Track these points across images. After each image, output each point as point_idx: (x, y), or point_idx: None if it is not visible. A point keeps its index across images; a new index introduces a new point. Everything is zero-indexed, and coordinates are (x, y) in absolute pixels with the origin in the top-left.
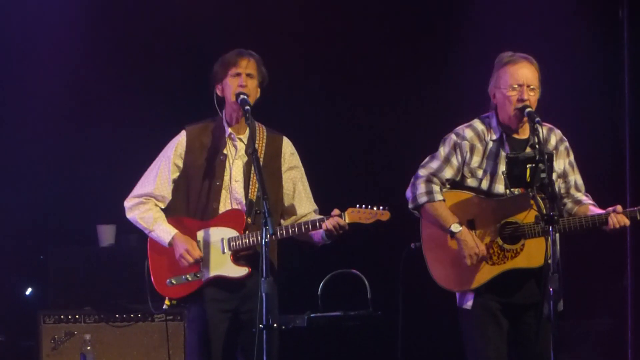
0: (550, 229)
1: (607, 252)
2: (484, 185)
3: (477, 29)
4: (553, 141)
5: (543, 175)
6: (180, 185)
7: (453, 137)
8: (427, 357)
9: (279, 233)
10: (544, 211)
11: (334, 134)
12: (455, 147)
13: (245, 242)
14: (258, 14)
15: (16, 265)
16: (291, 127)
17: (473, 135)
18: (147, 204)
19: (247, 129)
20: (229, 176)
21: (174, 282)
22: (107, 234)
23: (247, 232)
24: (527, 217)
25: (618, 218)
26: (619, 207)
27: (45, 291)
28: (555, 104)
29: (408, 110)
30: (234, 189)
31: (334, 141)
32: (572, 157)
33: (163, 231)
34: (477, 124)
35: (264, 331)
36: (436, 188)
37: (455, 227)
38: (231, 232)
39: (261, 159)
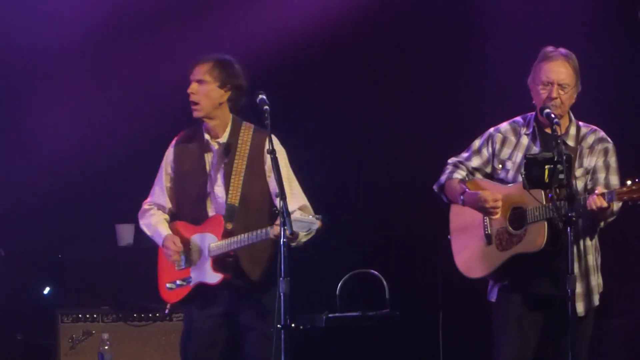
0: (569, 229)
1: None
2: (510, 175)
3: (494, 32)
4: (590, 140)
5: (561, 176)
6: (174, 191)
7: (491, 130)
8: (466, 353)
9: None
10: (553, 213)
11: (347, 135)
12: (489, 138)
13: (223, 249)
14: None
15: (34, 264)
16: (300, 128)
17: (509, 128)
18: (150, 210)
19: (225, 131)
20: (210, 182)
21: (170, 287)
22: (125, 233)
23: (227, 238)
24: (534, 202)
25: (594, 200)
26: (598, 189)
27: (63, 290)
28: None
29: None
30: (216, 194)
31: (351, 143)
32: (611, 159)
33: (158, 235)
34: (518, 118)
35: (282, 332)
36: (458, 171)
37: (463, 196)
38: (212, 238)
39: (245, 160)
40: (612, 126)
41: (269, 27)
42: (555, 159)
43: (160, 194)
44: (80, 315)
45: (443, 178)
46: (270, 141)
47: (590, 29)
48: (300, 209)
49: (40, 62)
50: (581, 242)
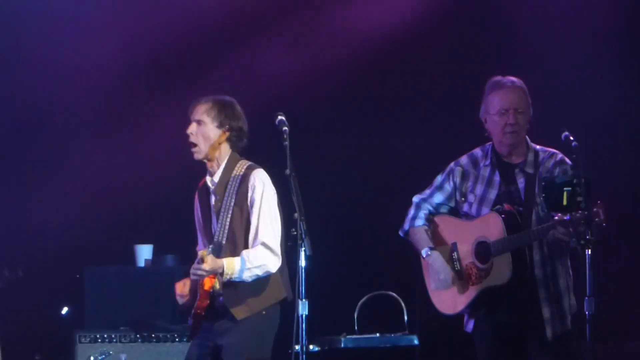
0: (588, 252)
1: None
2: (474, 208)
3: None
4: (548, 164)
5: (580, 199)
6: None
7: (451, 164)
8: None
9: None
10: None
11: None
12: (449, 173)
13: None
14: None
15: (53, 284)
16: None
17: (468, 161)
18: None
19: (219, 170)
20: (213, 223)
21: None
22: (144, 254)
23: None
24: (496, 235)
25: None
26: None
27: (82, 310)
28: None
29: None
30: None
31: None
32: None
33: None
34: (477, 150)
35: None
36: (422, 214)
37: (425, 252)
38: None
39: (233, 197)
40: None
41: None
42: (574, 182)
43: (200, 239)
44: (98, 336)
45: (407, 224)
46: (289, 162)
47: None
48: (259, 246)
49: (62, 76)
50: (549, 267)
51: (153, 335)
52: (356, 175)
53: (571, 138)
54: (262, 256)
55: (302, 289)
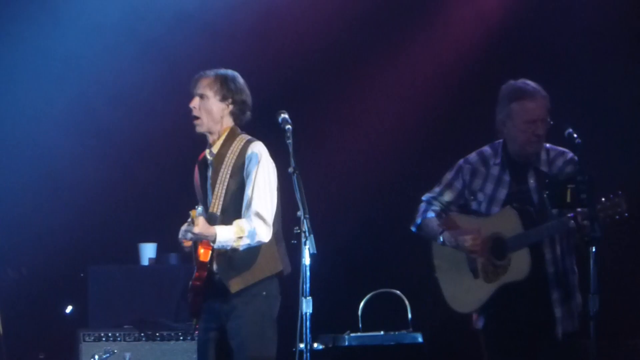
0: (594, 249)
1: None
2: (483, 207)
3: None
4: (559, 163)
5: (583, 196)
6: None
7: (460, 162)
8: None
9: None
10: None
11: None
12: (459, 171)
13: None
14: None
15: (57, 283)
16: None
17: (478, 159)
18: None
19: (218, 142)
20: (208, 195)
21: None
22: (148, 252)
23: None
24: (512, 231)
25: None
26: None
27: (86, 309)
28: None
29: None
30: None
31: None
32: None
33: None
34: (486, 148)
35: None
36: (432, 209)
37: (441, 237)
38: None
39: (230, 169)
40: None
41: None
42: (578, 179)
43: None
44: (102, 335)
45: (419, 219)
46: (292, 160)
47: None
48: (252, 215)
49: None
50: (560, 265)
51: (157, 333)
52: (361, 172)
53: (575, 135)
54: (254, 225)
55: (307, 287)
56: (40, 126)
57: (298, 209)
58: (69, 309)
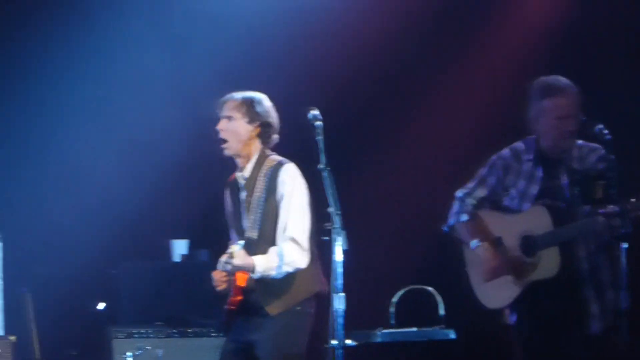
0: (624, 245)
1: None
2: (515, 203)
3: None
4: (592, 159)
5: (613, 191)
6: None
7: (493, 157)
8: None
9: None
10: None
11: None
12: (492, 166)
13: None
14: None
15: (88, 280)
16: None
17: (510, 154)
18: None
19: (248, 166)
20: (242, 219)
21: None
22: (180, 249)
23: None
24: (543, 228)
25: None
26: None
27: (117, 306)
28: None
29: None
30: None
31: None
32: (612, 174)
33: None
34: (519, 144)
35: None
36: (466, 208)
37: (474, 244)
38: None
39: (263, 193)
40: None
41: None
42: (607, 175)
43: (231, 234)
44: (134, 332)
45: (452, 219)
46: (322, 157)
47: None
48: (288, 241)
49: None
50: (594, 262)
51: (189, 330)
52: (393, 168)
53: (605, 131)
54: (291, 252)
55: (339, 283)
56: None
57: (328, 205)
58: (100, 305)
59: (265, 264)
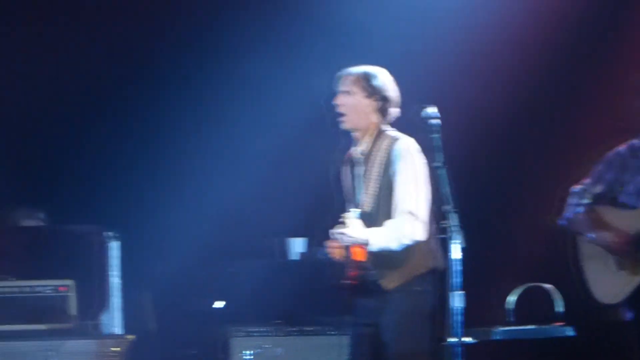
0: None
1: None
2: (631, 200)
3: None
4: None
5: None
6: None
7: (610, 154)
8: None
9: None
10: None
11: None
12: (609, 163)
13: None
14: None
15: (206, 279)
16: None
17: (627, 151)
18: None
19: (366, 140)
20: (356, 193)
21: None
22: (297, 247)
23: None
24: None
25: None
26: None
27: (235, 305)
28: None
29: None
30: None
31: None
32: None
33: None
34: (636, 141)
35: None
36: (582, 203)
37: (591, 236)
38: None
39: (379, 168)
40: None
41: None
42: None
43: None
44: (252, 330)
45: (569, 213)
46: (439, 155)
47: None
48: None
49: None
50: None
51: (308, 328)
52: (512, 165)
53: None
54: (407, 225)
55: (457, 281)
56: (182, 124)
57: (445, 204)
58: (219, 304)
59: (382, 236)
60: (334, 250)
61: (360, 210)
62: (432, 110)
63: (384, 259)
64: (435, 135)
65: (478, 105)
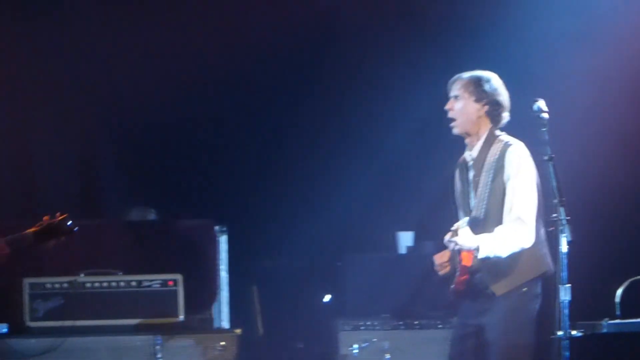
0: None
1: None
2: None
3: None
4: None
5: None
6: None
7: None
8: None
9: None
10: None
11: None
12: None
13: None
14: None
15: (314, 272)
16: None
17: None
18: None
19: (477, 145)
20: (470, 198)
21: None
22: (405, 241)
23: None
24: None
25: None
26: None
27: (343, 298)
28: None
29: None
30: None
31: None
32: None
33: None
34: None
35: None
36: None
37: None
38: None
39: (490, 174)
40: None
41: None
42: None
43: (459, 215)
44: (360, 324)
45: None
46: (547, 148)
47: None
48: (514, 221)
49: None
50: None
51: (415, 322)
52: (621, 157)
53: None
54: (516, 232)
55: (564, 274)
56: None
57: (554, 197)
58: (327, 298)
59: (491, 243)
60: (442, 266)
61: (468, 218)
62: (540, 103)
63: (494, 265)
64: (544, 129)
65: (590, 99)
